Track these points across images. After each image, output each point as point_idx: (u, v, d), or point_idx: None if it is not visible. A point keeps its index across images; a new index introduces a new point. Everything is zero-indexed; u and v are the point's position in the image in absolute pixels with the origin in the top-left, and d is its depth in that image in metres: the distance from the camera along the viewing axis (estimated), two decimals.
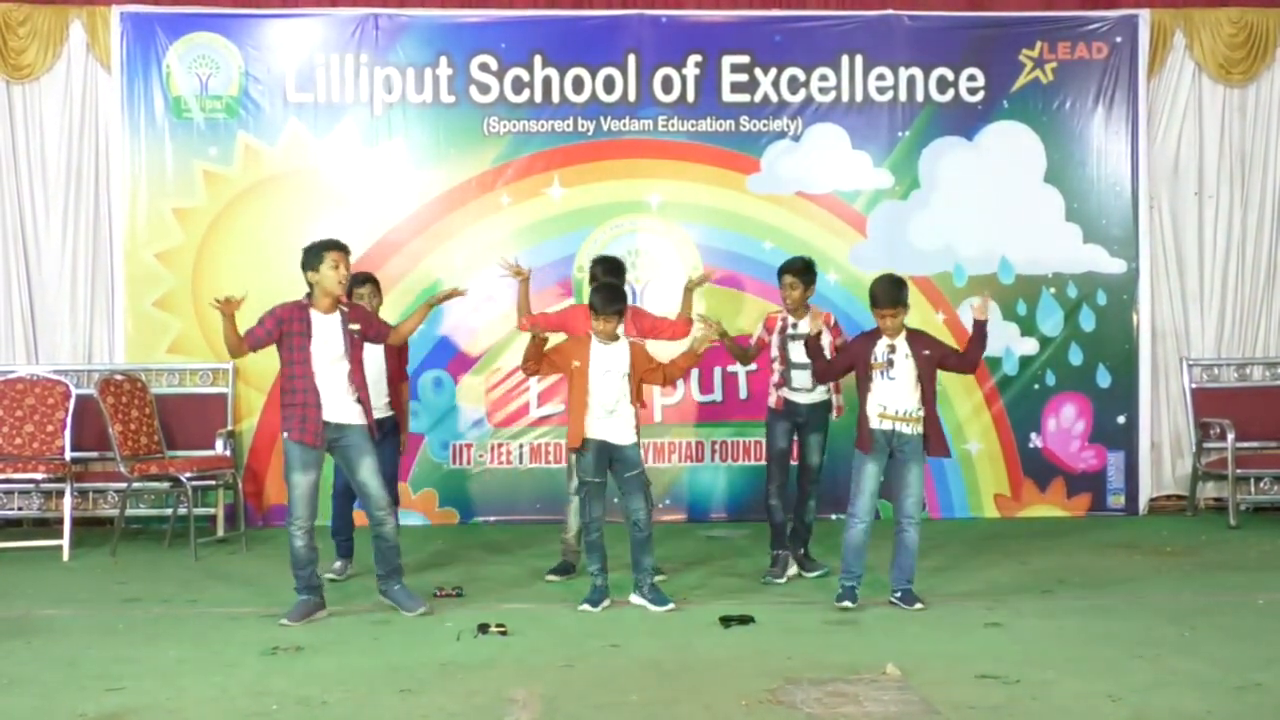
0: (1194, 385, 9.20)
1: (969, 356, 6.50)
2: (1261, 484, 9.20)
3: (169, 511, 8.49)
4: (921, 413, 6.24)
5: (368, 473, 6.14)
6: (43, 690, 4.94)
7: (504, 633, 5.76)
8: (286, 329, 6.04)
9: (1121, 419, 9.18)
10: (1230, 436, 8.67)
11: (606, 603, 6.25)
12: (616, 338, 6.38)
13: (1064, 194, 9.18)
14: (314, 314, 6.09)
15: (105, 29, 8.86)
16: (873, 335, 6.37)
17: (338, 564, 7.14)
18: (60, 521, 7.93)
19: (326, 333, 6.09)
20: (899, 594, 6.29)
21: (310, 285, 6.14)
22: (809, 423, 7.01)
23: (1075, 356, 9.16)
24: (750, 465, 8.91)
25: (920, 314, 9.08)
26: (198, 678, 5.09)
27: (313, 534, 6.10)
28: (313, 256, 6.12)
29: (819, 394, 7.00)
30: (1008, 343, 9.14)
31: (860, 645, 5.54)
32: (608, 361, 6.31)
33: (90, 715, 4.62)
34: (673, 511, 8.99)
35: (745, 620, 5.95)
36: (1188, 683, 4.91)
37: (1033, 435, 9.15)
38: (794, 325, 6.97)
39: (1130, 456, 9.19)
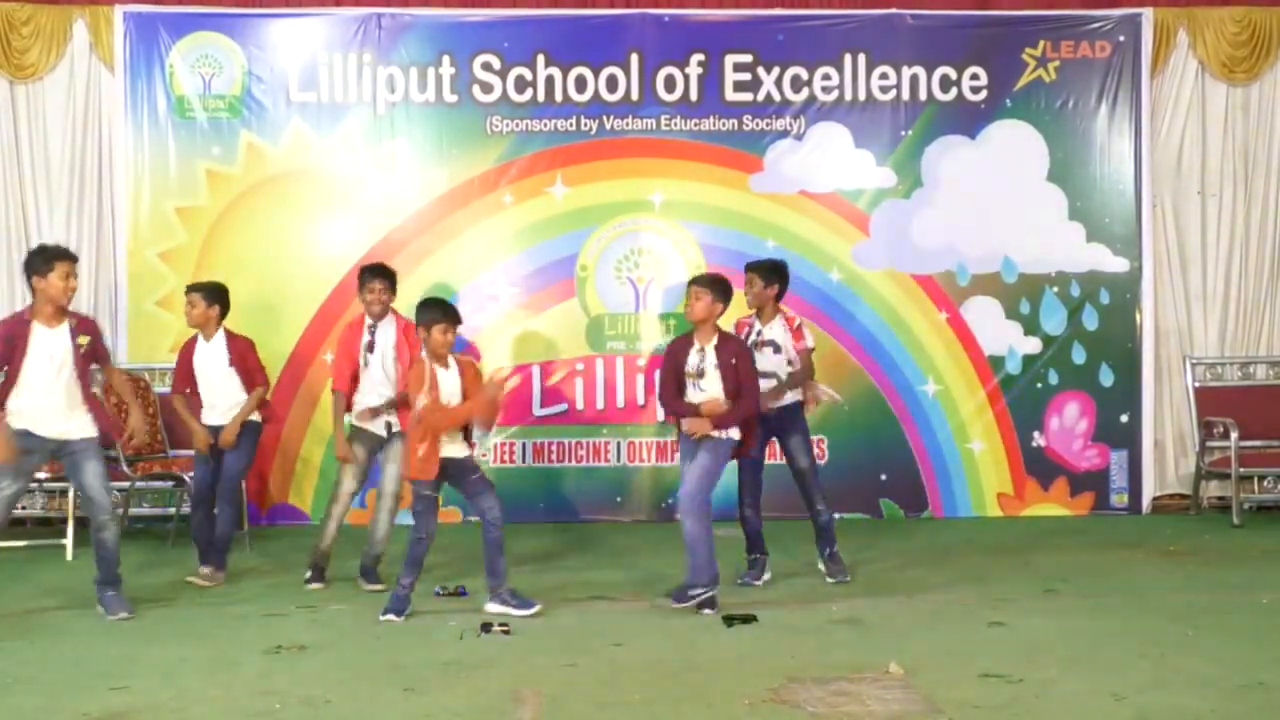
0: (1197, 384, 9.20)
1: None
2: (1265, 483, 9.20)
3: (172, 511, 8.50)
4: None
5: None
6: (46, 689, 4.95)
7: (506, 632, 5.77)
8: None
9: (1125, 418, 9.18)
10: (1233, 435, 8.67)
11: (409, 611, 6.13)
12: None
13: (1067, 193, 9.17)
14: (36, 325, 6.07)
15: (108, 29, 8.87)
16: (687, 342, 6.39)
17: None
18: (63, 520, 7.94)
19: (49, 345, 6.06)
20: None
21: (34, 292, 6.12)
22: (783, 427, 6.88)
23: (1078, 355, 9.16)
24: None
25: (923, 313, 9.11)
26: (201, 677, 5.10)
27: None
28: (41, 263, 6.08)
29: (787, 397, 6.85)
30: (1011, 342, 9.13)
31: (863, 644, 5.54)
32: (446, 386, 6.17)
33: (94, 714, 4.63)
34: (674, 511, 8.98)
35: (748, 619, 5.95)
36: (1191, 682, 4.90)
37: (1036, 434, 9.15)
38: (759, 332, 6.85)
39: (1133, 455, 9.19)
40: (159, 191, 8.88)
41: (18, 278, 8.91)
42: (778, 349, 6.84)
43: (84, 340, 6.13)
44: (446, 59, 9.01)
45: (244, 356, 7.11)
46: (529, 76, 9.02)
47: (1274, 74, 9.39)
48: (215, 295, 7.15)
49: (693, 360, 6.29)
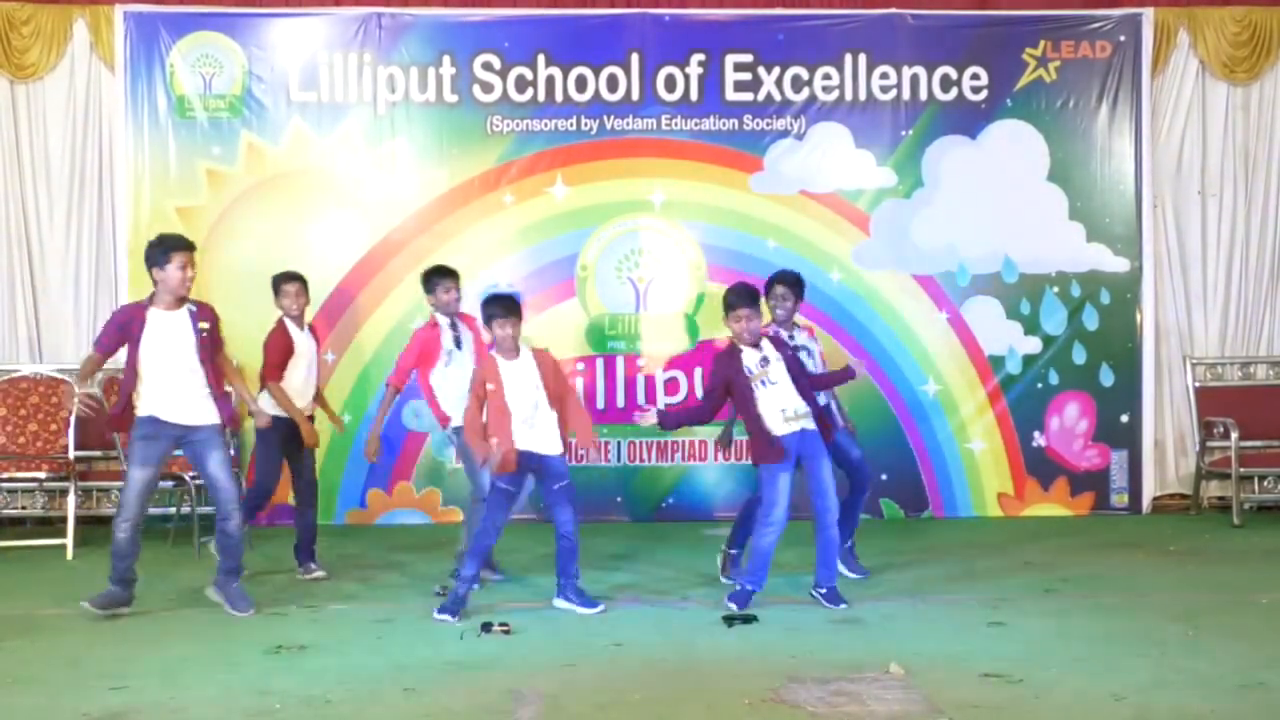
0: (1197, 384, 9.20)
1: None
2: (1265, 483, 9.21)
3: (172, 510, 8.50)
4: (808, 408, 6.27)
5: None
6: (46, 689, 4.95)
7: (507, 631, 5.77)
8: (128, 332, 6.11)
9: (1125, 418, 9.18)
10: (1234, 435, 8.67)
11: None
12: (517, 350, 6.29)
13: (1067, 193, 9.17)
14: (153, 312, 6.12)
15: (109, 28, 8.87)
16: (735, 351, 6.32)
17: None
18: (64, 520, 7.94)
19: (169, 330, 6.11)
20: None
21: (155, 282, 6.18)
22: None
23: (1078, 355, 9.16)
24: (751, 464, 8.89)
25: (923, 313, 9.11)
26: (201, 676, 5.10)
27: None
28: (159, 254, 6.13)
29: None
30: (1011, 342, 9.13)
31: (863, 644, 5.54)
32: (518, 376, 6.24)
33: (94, 714, 4.63)
34: (675, 511, 9.00)
35: (748, 619, 5.95)
36: (1191, 681, 4.90)
37: (1036, 434, 9.15)
38: (790, 338, 6.85)
39: (1133, 455, 9.19)
40: (159, 191, 8.88)
41: (18, 277, 8.98)
42: (811, 354, 6.90)
43: (204, 326, 6.14)
44: (447, 59, 9.01)
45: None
46: (529, 76, 9.02)
47: (1274, 74, 9.39)
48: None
49: (752, 359, 6.27)
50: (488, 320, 6.27)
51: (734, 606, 6.13)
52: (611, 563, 7.41)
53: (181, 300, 6.14)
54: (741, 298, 6.33)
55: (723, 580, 6.79)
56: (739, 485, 8.93)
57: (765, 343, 6.33)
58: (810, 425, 6.24)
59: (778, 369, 6.25)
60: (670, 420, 6.57)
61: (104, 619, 6.08)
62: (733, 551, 6.89)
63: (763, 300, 6.64)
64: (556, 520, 6.29)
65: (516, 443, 6.13)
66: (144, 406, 6.11)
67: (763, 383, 6.23)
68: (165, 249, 6.12)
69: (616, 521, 8.94)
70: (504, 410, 6.13)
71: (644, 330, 9.07)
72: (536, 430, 6.20)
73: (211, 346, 6.19)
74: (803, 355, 6.72)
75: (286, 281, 7.24)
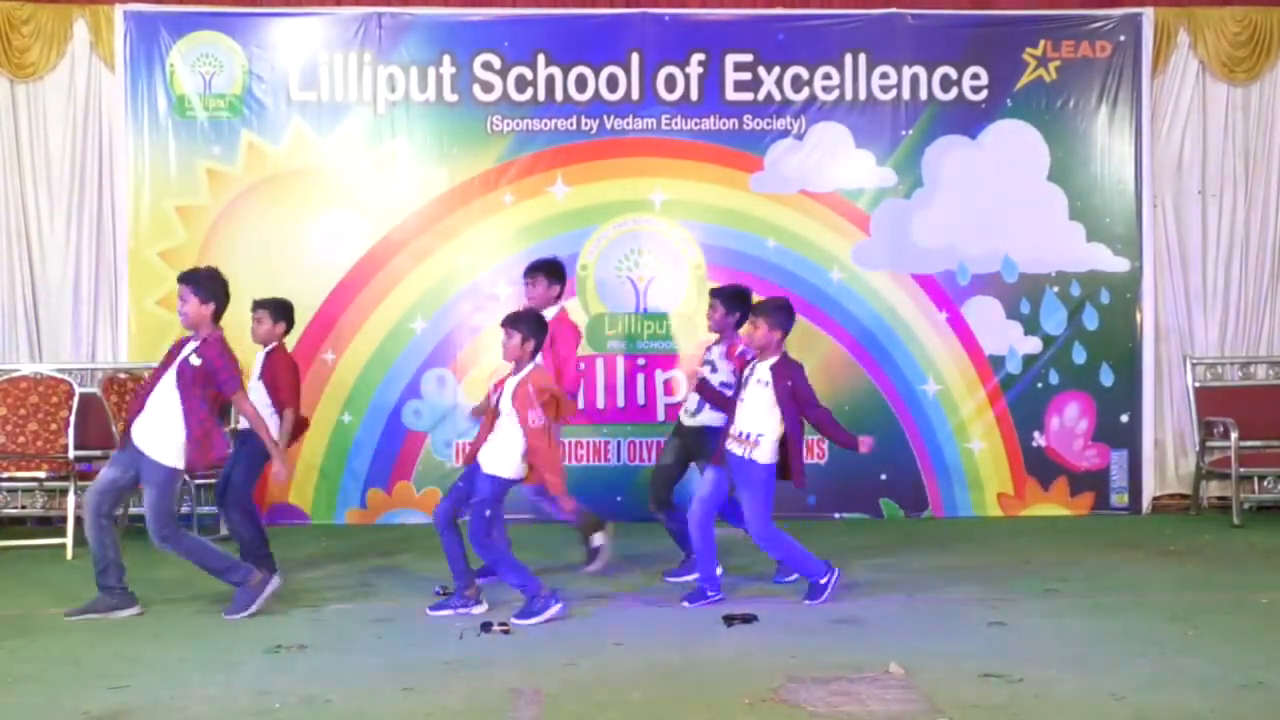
0: (1197, 384, 9.20)
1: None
2: (1265, 483, 9.21)
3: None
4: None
5: None
6: (46, 688, 4.95)
7: (506, 631, 5.77)
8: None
9: (1125, 418, 9.18)
10: (1233, 435, 8.66)
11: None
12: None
13: (1067, 193, 9.17)
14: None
15: (109, 28, 8.87)
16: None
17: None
18: (63, 520, 7.94)
19: None
20: None
21: None
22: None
23: (1078, 355, 9.16)
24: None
25: (923, 313, 9.11)
26: (201, 676, 5.10)
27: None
28: None
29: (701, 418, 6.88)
30: (1011, 342, 9.13)
31: (863, 644, 5.54)
32: None
33: (94, 713, 4.62)
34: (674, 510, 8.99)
35: (748, 619, 5.95)
36: (1190, 681, 4.90)
37: (1036, 434, 9.15)
38: (708, 353, 6.94)
39: (1133, 455, 9.19)
40: (159, 190, 8.89)
41: (18, 276, 8.98)
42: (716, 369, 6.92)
43: (195, 361, 6.04)
44: (447, 58, 9.01)
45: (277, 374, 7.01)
46: (529, 76, 9.02)
47: (1274, 74, 9.39)
48: (283, 312, 7.14)
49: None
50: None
51: (687, 604, 6.26)
52: (611, 563, 7.40)
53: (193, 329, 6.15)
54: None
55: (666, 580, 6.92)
56: None
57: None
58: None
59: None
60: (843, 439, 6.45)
61: (109, 619, 6.09)
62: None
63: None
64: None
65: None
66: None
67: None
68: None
69: (616, 521, 8.92)
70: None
71: (644, 330, 9.07)
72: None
73: (196, 381, 6.02)
74: (705, 370, 6.84)
75: (254, 309, 7.09)
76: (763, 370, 6.27)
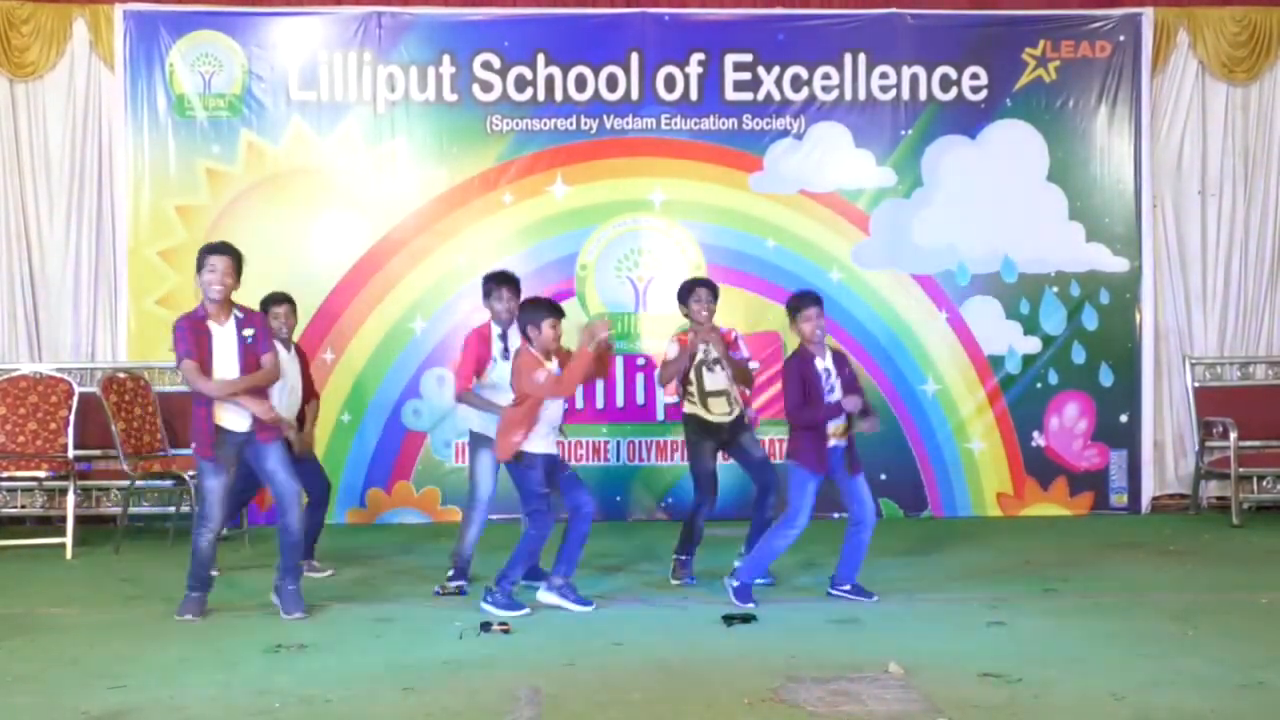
0: (1196, 384, 9.20)
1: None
2: (1264, 483, 9.22)
3: (172, 509, 8.50)
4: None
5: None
6: (46, 688, 4.94)
7: (506, 631, 5.76)
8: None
9: (1124, 418, 9.18)
10: (1233, 435, 8.66)
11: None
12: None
13: (1067, 193, 9.18)
14: (211, 324, 6.05)
15: (108, 27, 8.87)
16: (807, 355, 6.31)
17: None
18: (63, 519, 7.94)
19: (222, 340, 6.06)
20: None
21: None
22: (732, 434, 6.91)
23: (1078, 355, 9.16)
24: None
25: (923, 312, 9.12)
26: (200, 675, 5.10)
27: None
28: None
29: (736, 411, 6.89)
30: (1011, 341, 9.14)
31: (863, 644, 5.54)
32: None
33: (93, 713, 4.62)
34: (674, 510, 8.99)
35: (747, 619, 5.95)
36: (1190, 681, 4.90)
37: (1035, 434, 9.15)
38: (704, 350, 6.84)
39: (1133, 455, 9.20)
40: (159, 190, 8.89)
41: (18, 276, 8.98)
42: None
43: (248, 333, 6.07)
44: (447, 58, 9.01)
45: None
46: (529, 75, 9.02)
47: (1274, 74, 9.39)
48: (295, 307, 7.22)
49: (820, 365, 6.28)
50: (538, 321, 6.15)
51: (750, 605, 6.16)
52: (611, 562, 7.41)
53: (226, 309, 6.08)
54: (808, 299, 6.34)
55: (672, 583, 6.81)
56: (738, 485, 8.93)
57: (829, 354, 6.34)
58: (843, 445, 6.28)
59: (837, 389, 6.28)
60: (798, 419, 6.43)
61: (109, 619, 6.09)
62: (682, 557, 6.90)
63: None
64: (578, 505, 6.20)
65: (540, 448, 6.16)
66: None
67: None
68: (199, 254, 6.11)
69: (616, 521, 8.94)
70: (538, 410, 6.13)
71: (644, 329, 9.07)
72: (548, 435, 6.23)
73: (257, 353, 6.09)
74: (716, 369, 6.81)
75: (276, 304, 7.08)
76: (831, 365, 6.29)
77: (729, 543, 7.20)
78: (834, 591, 6.39)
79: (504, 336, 6.67)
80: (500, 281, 6.82)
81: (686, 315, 6.95)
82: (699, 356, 6.83)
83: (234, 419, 6.05)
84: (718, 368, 6.81)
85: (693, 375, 6.84)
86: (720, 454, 6.96)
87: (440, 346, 8.97)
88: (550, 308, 6.26)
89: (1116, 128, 9.20)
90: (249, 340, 6.05)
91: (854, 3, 9.26)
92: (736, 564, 6.63)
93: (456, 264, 9.01)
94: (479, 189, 9.03)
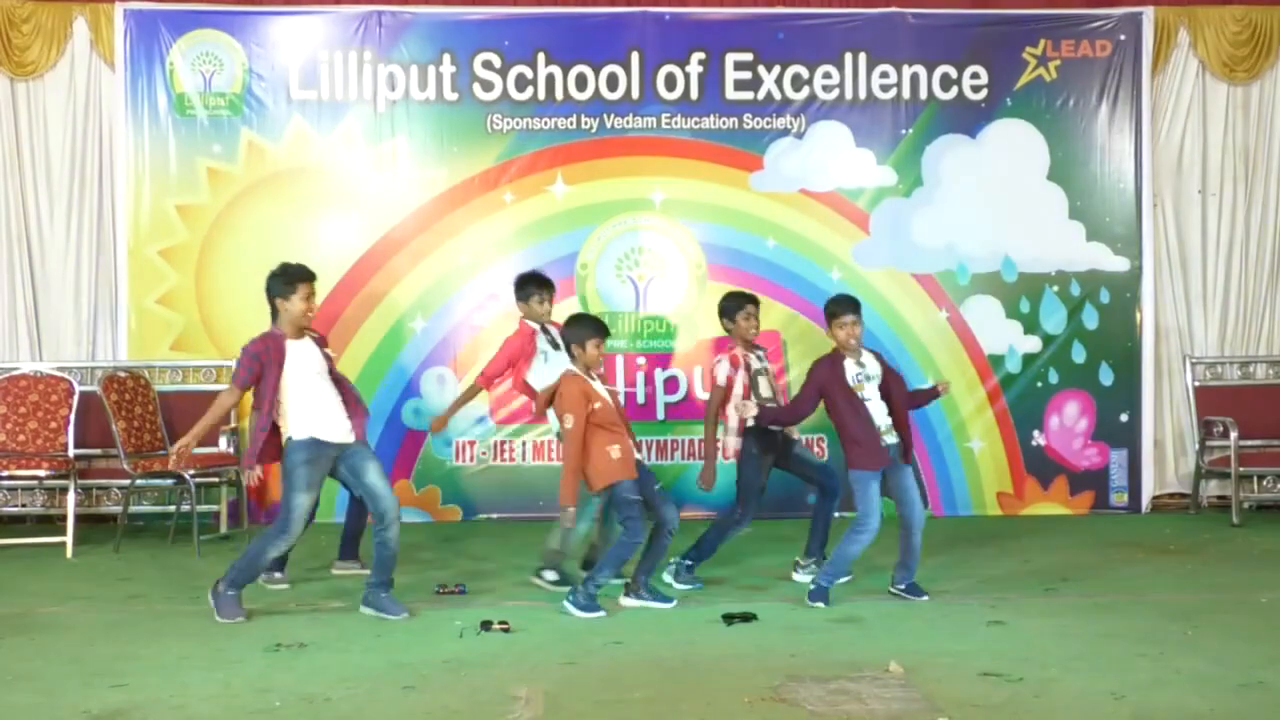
0: (1197, 383, 9.20)
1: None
2: (1264, 482, 9.21)
3: (172, 508, 8.50)
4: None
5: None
6: (46, 686, 4.95)
7: (507, 630, 5.77)
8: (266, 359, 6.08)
9: (1124, 417, 9.18)
10: (1233, 435, 8.67)
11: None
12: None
13: (1067, 192, 9.17)
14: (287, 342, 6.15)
15: (109, 26, 8.87)
16: (838, 358, 6.39)
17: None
18: (64, 518, 7.95)
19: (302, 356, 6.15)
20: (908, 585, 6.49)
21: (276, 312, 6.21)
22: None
23: (1078, 354, 9.16)
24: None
25: (923, 312, 9.12)
26: (201, 674, 5.10)
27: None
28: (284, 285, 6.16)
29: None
30: (1011, 341, 9.14)
31: (863, 643, 5.54)
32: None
33: (94, 712, 4.63)
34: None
35: (748, 618, 5.95)
36: (1190, 681, 4.91)
37: (1035, 433, 9.15)
38: (758, 360, 6.90)
39: (1133, 454, 9.19)
40: (160, 189, 8.89)
41: (18, 275, 8.98)
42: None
43: (330, 352, 6.28)
44: (447, 57, 9.01)
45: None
46: (529, 75, 9.02)
47: (1274, 73, 9.39)
48: None
49: (851, 370, 6.37)
50: (582, 340, 6.26)
51: (820, 605, 6.23)
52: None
53: (302, 330, 6.18)
54: (845, 305, 6.44)
55: (676, 586, 6.78)
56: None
57: (867, 355, 6.46)
58: (893, 439, 6.35)
59: (872, 386, 6.36)
60: (766, 417, 6.60)
61: (109, 618, 6.09)
62: (687, 562, 6.89)
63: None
64: (666, 517, 6.29)
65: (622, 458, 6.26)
66: (301, 430, 6.07)
67: (862, 395, 6.32)
68: (290, 279, 6.16)
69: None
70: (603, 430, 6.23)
71: (644, 329, 9.07)
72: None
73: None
74: (762, 381, 6.82)
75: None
76: (871, 364, 6.38)
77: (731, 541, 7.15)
78: (892, 590, 6.49)
79: (546, 330, 7.08)
80: (542, 285, 7.23)
81: (729, 330, 6.95)
82: (754, 367, 6.85)
83: (332, 428, 6.13)
84: (764, 378, 6.84)
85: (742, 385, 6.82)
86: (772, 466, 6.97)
87: (440, 346, 8.97)
88: (596, 326, 6.35)
89: (1117, 127, 9.19)
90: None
91: (854, 2, 9.26)
92: (799, 560, 6.97)
93: (457, 263, 9.01)
94: (479, 188, 9.03)
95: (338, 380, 6.23)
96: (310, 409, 6.08)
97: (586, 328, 6.32)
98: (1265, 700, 4.68)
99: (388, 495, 6.16)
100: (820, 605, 6.22)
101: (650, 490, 6.32)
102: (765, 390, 6.84)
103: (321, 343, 6.31)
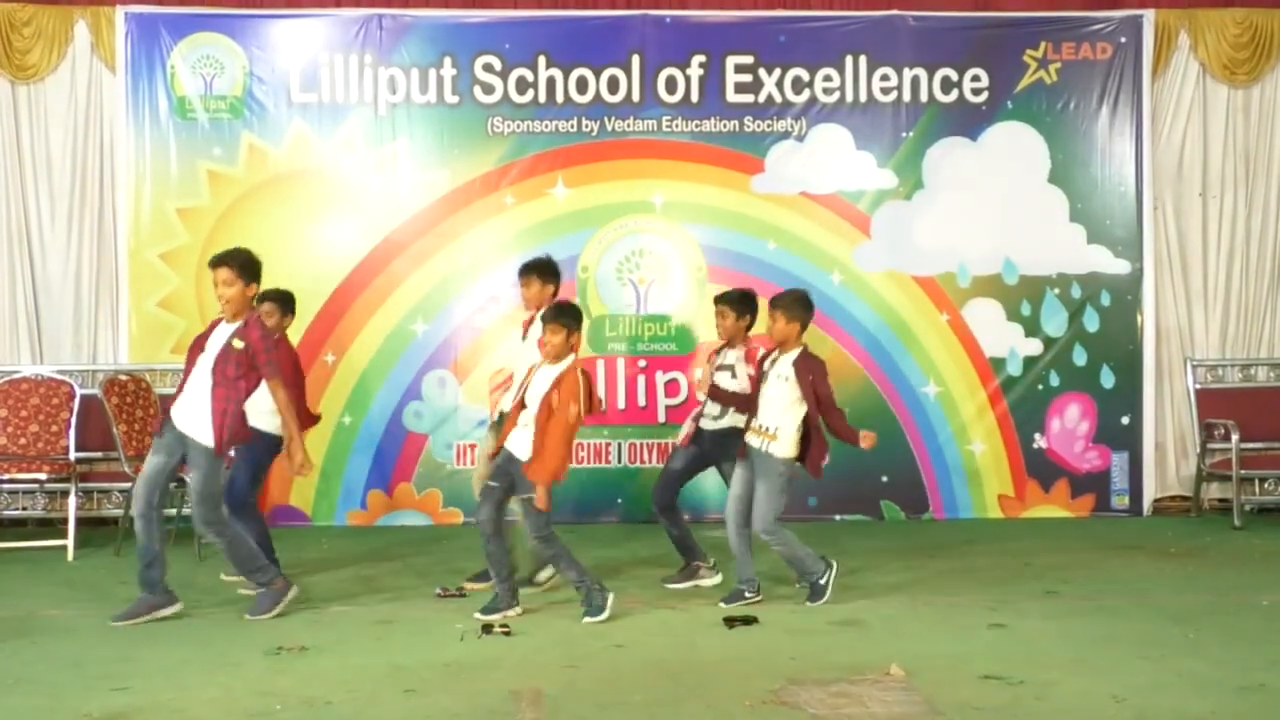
0: (1198, 386, 9.20)
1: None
2: (1265, 485, 9.21)
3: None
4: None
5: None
6: (48, 690, 4.95)
7: (507, 633, 5.77)
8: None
9: (1125, 420, 9.18)
10: (1234, 437, 8.66)
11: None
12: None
13: (1068, 195, 9.17)
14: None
15: (110, 29, 8.87)
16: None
17: None
18: (65, 521, 7.93)
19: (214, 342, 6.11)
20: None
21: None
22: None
23: (1079, 357, 9.16)
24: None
25: (924, 315, 9.12)
26: (202, 677, 5.10)
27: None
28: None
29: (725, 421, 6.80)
30: (1012, 343, 9.14)
31: (864, 646, 5.54)
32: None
33: (95, 715, 4.63)
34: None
35: (749, 621, 5.95)
36: (1191, 683, 4.91)
37: (1037, 436, 9.15)
38: (721, 354, 6.91)
39: (1134, 457, 9.19)
40: (160, 192, 8.89)
41: (19, 277, 8.98)
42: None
43: (238, 344, 6.04)
44: (448, 60, 9.02)
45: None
46: (530, 78, 9.02)
47: (1275, 76, 9.39)
48: (290, 305, 7.22)
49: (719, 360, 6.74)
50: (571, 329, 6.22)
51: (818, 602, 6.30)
52: (611, 564, 7.41)
53: (235, 315, 6.11)
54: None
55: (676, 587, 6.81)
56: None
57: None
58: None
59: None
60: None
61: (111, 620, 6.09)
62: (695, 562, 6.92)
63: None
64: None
65: None
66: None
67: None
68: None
69: (616, 523, 8.95)
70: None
71: (645, 331, 9.07)
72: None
73: (236, 363, 6.03)
74: (724, 376, 6.78)
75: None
76: (784, 364, 6.32)
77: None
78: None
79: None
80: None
81: (745, 327, 6.90)
82: (716, 362, 6.94)
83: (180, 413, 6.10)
84: (725, 373, 6.88)
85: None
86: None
87: (442, 348, 8.97)
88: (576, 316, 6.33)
89: (1117, 130, 9.19)
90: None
91: (855, 4, 9.26)
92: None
93: (458, 266, 9.01)
94: (480, 191, 9.03)
95: (226, 376, 6.01)
96: (182, 386, 6.12)
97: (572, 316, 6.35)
98: (1266, 703, 4.68)
99: (194, 506, 6.07)
100: (820, 603, 6.26)
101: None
102: (727, 384, 6.78)
103: (243, 334, 6.04)
